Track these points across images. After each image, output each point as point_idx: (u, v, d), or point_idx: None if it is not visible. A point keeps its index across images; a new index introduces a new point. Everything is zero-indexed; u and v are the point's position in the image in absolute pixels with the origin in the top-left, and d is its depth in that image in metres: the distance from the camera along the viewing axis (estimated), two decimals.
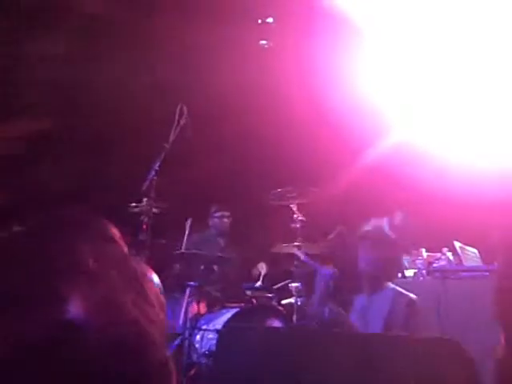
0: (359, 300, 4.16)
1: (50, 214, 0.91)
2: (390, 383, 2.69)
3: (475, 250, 5.40)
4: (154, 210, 5.12)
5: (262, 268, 6.25)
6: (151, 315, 0.86)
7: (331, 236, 5.66)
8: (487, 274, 4.98)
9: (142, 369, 0.83)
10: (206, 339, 5.20)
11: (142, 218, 5.31)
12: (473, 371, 2.32)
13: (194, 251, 5.66)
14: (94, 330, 0.79)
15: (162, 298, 0.92)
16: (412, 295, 4.07)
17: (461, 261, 5.18)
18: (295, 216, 5.54)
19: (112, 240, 0.91)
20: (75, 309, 0.79)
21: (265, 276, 6.17)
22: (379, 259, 4.03)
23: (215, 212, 6.44)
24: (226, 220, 6.40)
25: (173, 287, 5.45)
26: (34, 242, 0.86)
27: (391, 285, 4.13)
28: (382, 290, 4.06)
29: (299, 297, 5.29)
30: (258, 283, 6.05)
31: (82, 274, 0.83)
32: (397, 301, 3.99)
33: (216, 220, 6.41)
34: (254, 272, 6.26)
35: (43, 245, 0.86)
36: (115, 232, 0.93)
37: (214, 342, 4.45)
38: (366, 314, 4.03)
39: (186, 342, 5.08)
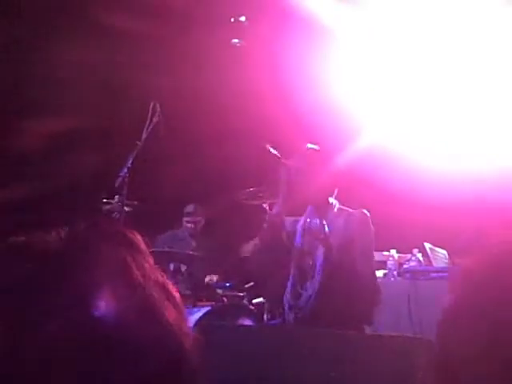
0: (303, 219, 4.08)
1: (87, 222, 0.90)
2: (366, 382, 2.71)
3: (445, 252, 5.48)
4: (126, 207, 5.09)
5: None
6: (185, 328, 0.87)
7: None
8: None
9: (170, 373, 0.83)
10: None
11: (114, 215, 5.27)
12: None
13: (164, 249, 5.64)
14: (125, 330, 0.80)
15: None
16: (363, 210, 4.01)
17: (430, 262, 5.25)
18: (267, 215, 5.54)
19: (145, 253, 0.91)
20: (106, 306, 0.80)
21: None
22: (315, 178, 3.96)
23: (187, 210, 6.41)
24: (199, 219, 6.39)
25: None
26: (76, 250, 0.86)
27: (337, 204, 4.03)
28: (328, 210, 3.97)
29: None
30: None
31: (123, 278, 0.83)
32: (350, 215, 3.94)
33: (187, 219, 6.39)
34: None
35: (86, 252, 0.86)
36: (145, 244, 0.93)
37: None
38: (318, 236, 3.89)
39: None
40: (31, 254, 0.84)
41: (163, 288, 0.88)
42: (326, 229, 3.79)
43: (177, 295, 0.90)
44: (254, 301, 5.62)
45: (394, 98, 6.24)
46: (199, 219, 6.44)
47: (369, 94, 6.21)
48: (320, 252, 3.87)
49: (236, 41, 6.35)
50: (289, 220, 4.16)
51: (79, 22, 6.03)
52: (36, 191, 5.68)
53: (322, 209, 3.99)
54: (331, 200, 4.02)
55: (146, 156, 5.11)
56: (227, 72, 6.29)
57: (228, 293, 5.81)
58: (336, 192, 4.06)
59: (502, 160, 5.51)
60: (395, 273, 5.24)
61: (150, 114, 5.13)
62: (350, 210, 4.03)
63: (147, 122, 5.12)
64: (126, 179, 4.96)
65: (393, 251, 5.40)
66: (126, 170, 4.97)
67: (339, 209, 4.01)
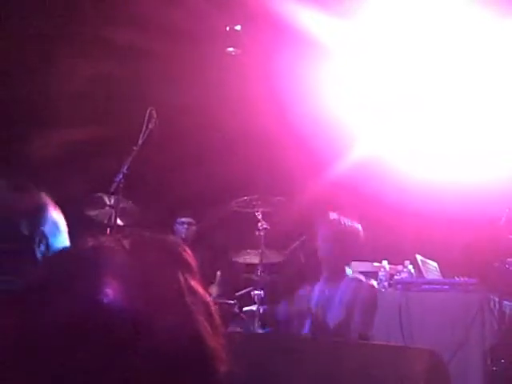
0: (317, 288, 4.20)
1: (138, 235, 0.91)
2: None
3: (435, 264, 5.51)
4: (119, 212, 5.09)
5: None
6: (221, 353, 0.87)
7: (294, 245, 5.71)
8: (447, 287, 5.08)
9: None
10: None
11: (106, 221, 5.27)
12: (449, 379, 2.38)
13: None
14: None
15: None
16: (372, 281, 4.16)
17: (421, 273, 5.27)
18: (259, 224, 5.57)
19: (195, 272, 0.92)
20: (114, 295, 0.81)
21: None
22: (337, 247, 4.09)
23: (179, 219, 6.39)
24: (186, 226, 6.35)
25: None
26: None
27: (351, 273, 4.20)
28: (342, 278, 4.12)
29: (261, 304, 5.31)
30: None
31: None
32: (358, 289, 4.05)
33: (179, 227, 6.36)
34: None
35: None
36: (193, 258, 0.94)
37: None
38: (328, 304, 4.07)
39: None
40: (94, 265, 0.86)
41: (207, 311, 0.89)
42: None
43: (217, 318, 0.91)
44: (245, 309, 5.63)
45: (387, 110, 6.29)
46: (193, 228, 6.43)
47: (362, 106, 6.25)
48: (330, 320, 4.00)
49: (231, 49, 6.39)
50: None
51: (82, 37, 6.06)
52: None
53: (337, 277, 4.14)
54: (347, 270, 4.20)
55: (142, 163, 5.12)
56: (221, 83, 6.33)
57: (219, 300, 5.81)
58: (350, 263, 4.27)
59: (493, 172, 5.56)
60: (386, 284, 5.26)
61: (146, 120, 5.13)
62: (362, 278, 4.17)
63: (143, 129, 5.12)
64: (122, 184, 4.95)
65: (384, 262, 5.42)
66: (121, 176, 4.96)
67: (352, 277, 4.18)
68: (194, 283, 0.89)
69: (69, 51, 6.05)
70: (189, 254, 0.93)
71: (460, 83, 5.91)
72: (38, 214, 1.85)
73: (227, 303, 5.78)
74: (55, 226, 1.87)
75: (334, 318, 3.99)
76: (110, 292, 0.81)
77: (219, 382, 0.86)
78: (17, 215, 1.83)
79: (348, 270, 4.20)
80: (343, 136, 6.11)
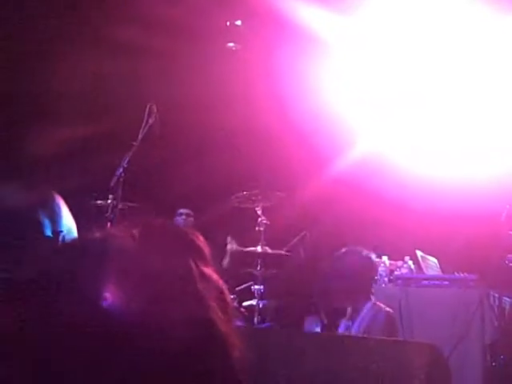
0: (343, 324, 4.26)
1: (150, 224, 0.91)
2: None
3: (435, 260, 5.51)
4: (120, 206, 5.08)
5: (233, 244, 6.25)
6: (234, 340, 0.87)
7: (294, 240, 5.71)
8: (447, 283, 5.09)
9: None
10: None
11: (107, 214, 5.26)
12: (449, 374, 2.39)
13: None
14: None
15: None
16: (389, 309, 4.19)
17: (421, 269, 5.28)
18: (260, 219, 5.57)
19: (208, 259, 0.92)
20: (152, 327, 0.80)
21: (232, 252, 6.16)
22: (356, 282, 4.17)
23: (178, 211, 6.44)
24: (184, 217, 6.41)
25: None
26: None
27: (372, 299, 4.26)
28: (362, 307, 4.18)
29: (261, 299, 5.32)
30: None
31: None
32: (376, 317, 4.11)
33: (178, 218, 6.40)
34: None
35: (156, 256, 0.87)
36: (206, 246, 0.94)
37: None
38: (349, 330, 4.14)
39: None
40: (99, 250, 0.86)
41: (220, 297, 0.89)
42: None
43: (230, 303, 0.91)
44: (245, 303, 5.63)
45: (388, 107, 6.29)
46: (190, 219, 6.46)
47: (363, 102, 6.25)
48: None
49: (232, 45, 6.38)
50: None
51: (82, 34, 6.06)
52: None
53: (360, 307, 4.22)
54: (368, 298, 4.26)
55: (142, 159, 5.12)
56: (222, 78, 6.32)
57: None
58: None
59: (493, 169, 5.56)
60: (386, 279, 5.26)
61: (146, 115, 5.13)
62: (381, 305, 4.24)
63: (143, 124, 5.11)
64: (122, 179, 4.95)
65: (384, 258, 5.42)
66: (121, 170, 4.96)
67: (373, 304, 4.24)
68: (206, 269, 0.88)
69: (69, 48, 6.04)
70: (201, 241, 0.92)
71: (460, 79, 5.91)
72: (56, 213, 1.86)
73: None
74: (70, 222, 1.89)
75: None
76: (109, 296, 0.80)
77: (232, 367, 0.85)
78: (38, 215, 1.85)
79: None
80: (344, 132, 6.11)
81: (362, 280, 4.26)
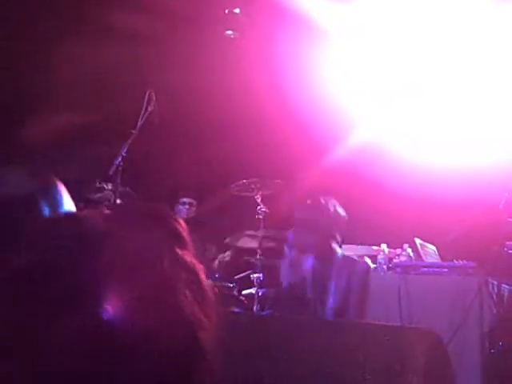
0: (309, 260, 4.18)
1: (125, 205, 0.90)
2: (362, 372, 2.73)
3: (434, 247, 5.52)
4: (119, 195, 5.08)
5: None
6: (205, 324, 0.86)
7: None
8: (446, 270, 5.11)
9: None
10: None
11: (106, 203, 5.27)
12: (448, 362, 2.40)
13: None
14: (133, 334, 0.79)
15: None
16: (366, 259, 4.12)
17: (420, 257, 5.29)
18: (259, 207, 5.57)
19: (185, 242, 0.91)
20: (113, 308, 0.79)
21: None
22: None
23: (179, 200, 6.42)
24: (186, 207, 6.40)
25: None
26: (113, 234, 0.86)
27: (341, 251, 4.14)
28: (333, 258, 4.09)
29: (260, 287, 5.32)
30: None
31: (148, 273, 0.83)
32: (353, 270, 4.04)
33: (180, 207, 6.40)
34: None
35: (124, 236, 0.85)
36: (184, 229, 0.92)
37: None
38: (321, 281, 4.05)
39: None
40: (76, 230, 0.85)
41: (192, 279, 0.87)
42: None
43: (209, 291, 0.90)
44: (244, 292, 5.64)
45: (387, 95, 6.28)
46: (193, 208, 6.46)
47: (362, 91, 6.24)
48: (329, 306, 3.99)
49: (230, 32, 6.36)
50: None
51: (81, 22, 6.04)
52: None
53: (327, 257, 4.11)
54: (335, 247, 4.12)
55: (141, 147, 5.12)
56: (221, 67, 6.31)
57: (218, 283, 5.82)
58: (339, 238, 4.16)
59: (492, 157, 5.56)
60: (385, 267, 5.27)
61: (145, 102, 5.12)
62: (355, 257, 4.17)
63: (142, 111, 5.10)
64: (121, 167, 4.95)
65: (383, 245, 5.43)
66: (120, 159, 4.96)
67: (344, 257, 4.12)
68: (180, 251, 0.88)
69: (68, 35, 6.02)
70: (177, 221, 0.92)
71: (460, 68, 5.90)
72: (57, 200, 1.85)
73: (226, 286, 5.80)
74: (70, 208, 1.88)
75: (331, 307, 3.99)
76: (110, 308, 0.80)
77: (200, 348, 0.85)
78: (38, 201, 1.83)
79: (336, 247, 4.15)
80: (343, 120, 6.10)
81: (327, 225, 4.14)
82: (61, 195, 1.88)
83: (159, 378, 0.81)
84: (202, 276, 0.90)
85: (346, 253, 4.27)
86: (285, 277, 4.41)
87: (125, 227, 0.87)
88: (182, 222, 0.93)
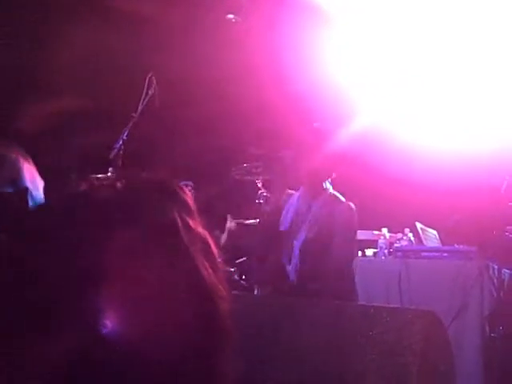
0: (293, 199, 4.09)
1: (140, 177, 0.89)
2: (364, 353, 2.73)
3: (435, 232, 5.52)
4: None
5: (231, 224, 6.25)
6: (221, 292, 0.85)
7: None
8: (446, 255, 5.11)
9: None
10: None
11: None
12: (448, 343, 2.41)
13: None
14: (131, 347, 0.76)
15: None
16: (350, 204, 3.96)
17: (421, 241, 5.29)
18: (260, 192, 5.57)
19: (193, 211, 0.90)
20: (111, 322, 0.76)
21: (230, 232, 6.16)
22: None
23: (182, 182, 6.44)
24: (192, 191, 6.42)
25: None
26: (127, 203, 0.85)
27: (330, 190, 4.03)
28: (321, 194, 3.98)
29: None
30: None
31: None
32: (337, 206, 3.91)
33: None
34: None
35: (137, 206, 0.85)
36: (192, 202, 0.92)
37: None
38: (305, 219, 3.97)
39: None
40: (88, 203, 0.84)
41: (206, 249, 0.87)
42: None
43: (217, 257, 0.89)
44: (245, 276, 5.66)
45: (389, 80, 6.26)
46: (192, 185, 6.48)
47: (364, 75, 6.22)
48: (301, 237, 3.90)
49: (231, 16, 6.33)
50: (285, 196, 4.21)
51: (79, 4, 6.00)
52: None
53: (315, 192, 4.00)
54: (326, 185, 4.02)
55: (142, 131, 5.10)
56: (222, 51, 6.28)
57: None
58: (332, 176, 4.07)
59: (493, 141, 5.54)
60: (386, 251, 5.28)
61: (145, 86, 5.10)
62: (342, 199, 4.00)
63: (143, 95, 5.08)
64: (121, 151, 4.93)
65: (384, 230, 5.44)
66: (120, 142, 4.94)
67: (332, 195, 4.00)
68: (191, 221, 0.87)
69: (67, 18, 5.99)
70: (185, 193, 0.91)
71: (462, 51, 5.87)
72: (19, 171, 1.83)
73: (227, 270, 5.81)
74: (34, 178, 1.85)
75: (303, 237, 3.89)
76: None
77: (221, 319, 0.85)
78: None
79: (327, 185, 4.03)
80: (345, 105, 6.08)
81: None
82: (19, 163, 1.85)
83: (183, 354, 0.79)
84: (214, 247, 0.89)
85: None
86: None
87: (137, 197, 0.86)
88: (186, 190, 0.92)
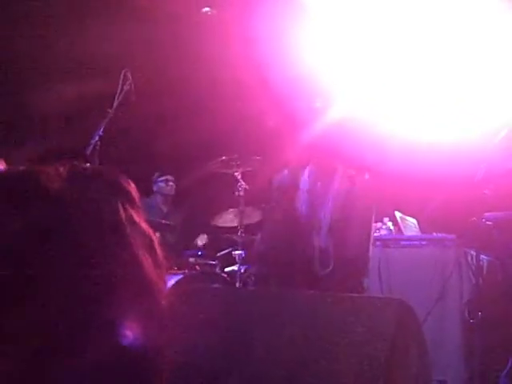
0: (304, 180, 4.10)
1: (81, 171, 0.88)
2: (336, 342, 2.74)
3: (414, 220, 5.55)
4: None
5: (203, 240, 6.26)
6: (162, 285, 0.85)
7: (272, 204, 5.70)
8: (425, 243, 5.14)
9: None
10: None
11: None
12: (419, 329, 2.42)
13: None
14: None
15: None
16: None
17: (401, 230, 5.32)
18: (239, 184, 5.56)
19: (137, 204, 0.89)
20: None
21: (205, 247, 6.19)
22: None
23: (159, 177, 6.43)
24: (171, 184, 6.42)
25: None
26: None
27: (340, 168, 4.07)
28: (334, 173, 3.99)
29: (242, 264, 5.33)
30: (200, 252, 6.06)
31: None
32: (352, 187, 3.99)
33: (161, 184, 6.40)
34: (196, 243, 6.27)
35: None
36: (137, 194, 0.91)
37: None
38: (320, 202, 3.99)
39: None
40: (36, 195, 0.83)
41: (149, 244, 0.86)
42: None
43: (160, 253, 0.88)
44: (227, 269, 5.65)
45: (366, 69, 6.26)
46: (173, 179, 6.48)
47: (340, 65, 6.22)
48: (326, 219, 3.90)
49: (207, 9, 6.30)
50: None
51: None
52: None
53: (327, 171, 4.00)
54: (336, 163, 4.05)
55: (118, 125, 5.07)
56: (199, 42, 6.25)
57: (200, 261, 5.83)
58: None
59: (469, 131, 5.57)
60: None
61: (120, 81, 5.07)
62: (353, 172, 4.06)
63: (118, 90, 5.06)
64: (98, 147, 4.91)
65: None
66: (97, 138, 4.92)
67: (344, 172, 3.98)
68: (135, 214, 0.86)
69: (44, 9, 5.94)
70: (129, 184, 0.90)
71: (441, 42, 5.88)
72: None
73: (209, 264, 5.81)
74: None
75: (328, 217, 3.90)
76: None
77: (160, 315, 0.83)
78: None
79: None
80: (321, 95, 6.07)
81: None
82: None
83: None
84: (156, 243, 0.88)
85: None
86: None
87: (80, 187, 0.85)
88: (130, 181, 0.91)
